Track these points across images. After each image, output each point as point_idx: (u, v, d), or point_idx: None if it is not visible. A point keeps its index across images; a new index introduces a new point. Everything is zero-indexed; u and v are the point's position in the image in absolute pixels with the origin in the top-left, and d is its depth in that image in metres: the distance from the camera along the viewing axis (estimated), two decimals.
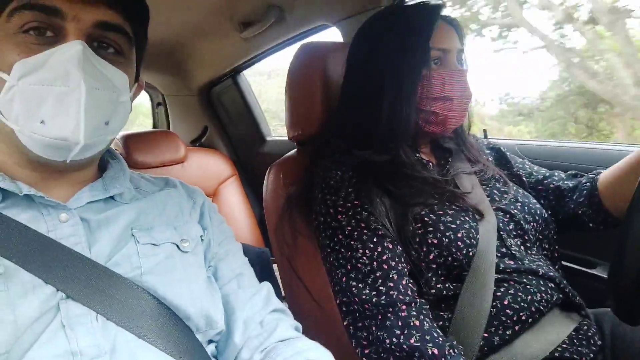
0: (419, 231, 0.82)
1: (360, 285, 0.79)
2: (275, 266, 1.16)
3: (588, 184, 0.95)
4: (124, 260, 0.63)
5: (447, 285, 0.80)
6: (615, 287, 0.59)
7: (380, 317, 0.76)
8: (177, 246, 0.69)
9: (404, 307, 0.75)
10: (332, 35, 1.53)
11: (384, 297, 0.76)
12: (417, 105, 0.88)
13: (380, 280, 0.78)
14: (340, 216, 0.85)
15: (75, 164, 0.63)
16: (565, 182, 0.99)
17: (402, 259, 0.80)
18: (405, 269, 0.80)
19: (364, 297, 0.78)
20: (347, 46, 1.03)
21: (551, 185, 1.00)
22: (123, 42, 0.64)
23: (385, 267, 0.79)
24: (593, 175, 0.96)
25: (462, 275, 0.80)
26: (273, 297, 0.79)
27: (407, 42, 0.88)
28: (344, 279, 0.82)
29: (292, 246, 0.96)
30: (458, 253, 0.79)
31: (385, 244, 0.80)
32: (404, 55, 0.87)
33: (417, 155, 0.95)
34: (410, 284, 0.79)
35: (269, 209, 1.04)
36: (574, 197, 0.96)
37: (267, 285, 0.80)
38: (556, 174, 1.02)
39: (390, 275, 0.78)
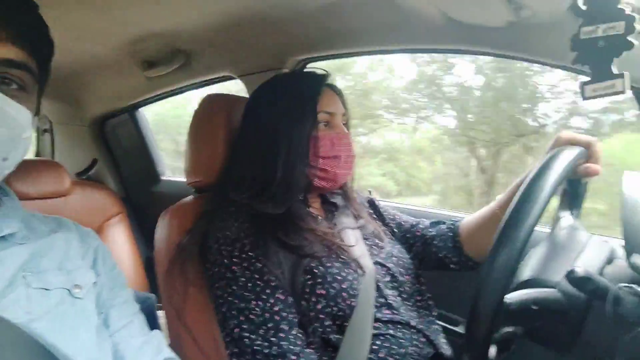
0: (309, 282, 0.87)
1: (252, 336, 0.82)
2: (159, 313, 1.13)
3: (447, 229, 1.08)
4: (12, 305, 0.60)
5: (330, 337, 0.86)
6: (469, 342, 0.68)
7: None
8: (69, 292, 0.67)
9: (293, 357, 0.79)
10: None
11: (275, 347, 0.80)
12: (309, 162, 0.97)
13: (272, 331, 0.81)
14: (234, 267, 0.87)
15: None
16: (429, 230, 1.12)
17: (293, 309, 0.85)
18: (295, 319, 0.84)
19: (255, 347, 0.81)
20: None
21: (417, 233, 1.12)
22: (27, 79, 0.63)
23: (277, 318, 0.83)
24: (453, 222, 1.10)
25: (343, 326, 0.86)
26: (164, 345, 0.78)
27: (297, 105, 0.97)
28: (237, 330, 0.84)
29: (182, 296, 0.95)
30: (343, 303, 0.86)
31: (277, 295, 0.84)
32: (294, 118, 0.96)
33: (307, 209, 1.02)
34: (299, 334, 0.83)
35: (160, 255, 1.03)
36: (436, 243, 1.08)
37: (158, 334, 0.79)
38: (421, 222, 1.15)
39: (281, 326, 0.82)
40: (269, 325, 0.82)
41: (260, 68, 1.44)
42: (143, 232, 2.04)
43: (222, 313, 0.88)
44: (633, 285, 0.57)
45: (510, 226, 0.63)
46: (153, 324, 1.08)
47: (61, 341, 0.62)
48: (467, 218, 1.07)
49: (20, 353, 0.58)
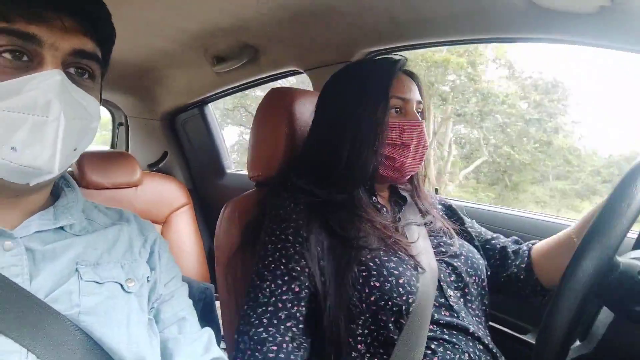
0: (363, 274, 0.83)
1: (250, 312, 0.82)
2: (218, 303, 1.14)
3: (527, 251, 1.02)
4: (64, 297, 0.61)
5: (383, 332, 0.82)
6: (540, 355, 0.61)
7: (249, 352, 0.78)
8: (122, 286, 0.67)
9: (272, 347, 0.77)
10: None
11: (261, 329, 0.79)
12: (376, 149, 0.92)
13: (267, 315, 0.80)
14: (270, 245, 0.87)
15: (36, 187, 0.61)
16: (510, 245, 1.05)
17: (302, 304, 0.82)
18: (299, 315, 0.82)
19: (247, 326, 0.80)
20: (315, 95, 1.07)
21: (498, 246, 1.05)
22: (95, 68, 0.64)
23: (280, 305, 0.81)
24: (531, 245, 1.03)
25: (399, 322, 0.82)
26: (213, 344, 0.77)
27: (367, 89, 0.93)
28: (245, 306, 0.84)
29: (240, 284, 0.95)
30: (398, 298, 0.81)
31: (293, 286, 0.83)
32: (364, 101, 0.92)
33: (374, 198, 0.99)
34: (294, 329, 0.80)
35: (221, 245, 1.03)
36: (516, 262, 1.01)
37: (208, 331, 0.78)
38: (501, 237, 1.08)
39: (279, 314, 0.80)
40: (270, 308, 0.81)
41: (327, 62, 1.42)
42: (207, 224, 2.09)
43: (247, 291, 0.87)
44: None
45: (596, 234, 0.58)
46: (210, 313, 1.09)
47: (108, 336, 0.62)
48: (540, 242, 1.01)
49: (68, 345, 0.58)
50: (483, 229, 1.11)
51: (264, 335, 0.78)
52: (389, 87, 0.93)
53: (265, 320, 0.80)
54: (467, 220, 1.11)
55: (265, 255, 0.86)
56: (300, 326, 0.81)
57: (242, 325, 0.82)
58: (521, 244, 1.06)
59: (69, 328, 0.59)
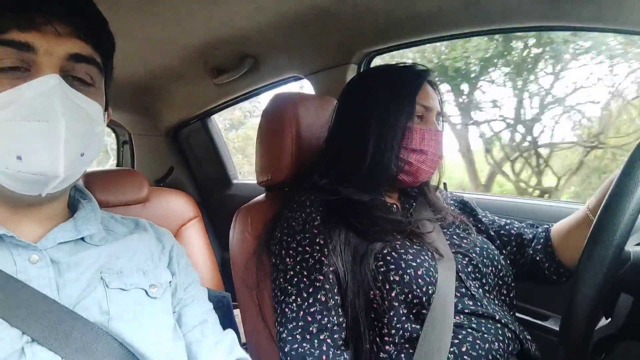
0: (382, 269, 0.84)
1: (280, 329, 0.83)
2: (236, 311, 1.14)
3: (544, 233, 1.02)
4: (92, 305, 0.62)
5: (407, 326, 0.82)
6: (566, 341, 0.61)
7: None
8: (146, 292, 0.68)
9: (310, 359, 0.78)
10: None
11: (295, 345, 0.80)
12: (397, 152, 0.94)
13: (299, 330, 0.81)
14: (288, 259, 0.88)
15: (49, 197, 0.62)
16: (525, 229, 1.06)
17: (332, 314, 0.83)
18: (330, 325, 0.82)
19: (280, 343, 0.82)
20: (317, 98, 1.07)
21: (513, 232, 1.05)
22: (94, 73, 0.63)
23: (310, 319, 0.82)
24: (547, 226, 1.03)
25: (422, 314, 0.82)
26: (237, 346, 0.78)
27: (396, 95, 0.95)
28: (275, 323, 0.85)
29: (260, 289, 0.95)
30: (418, 290, 0.82)
31: (319, 296, 0.83)
32: (391, 107, 0.94)
33: (383, 198, 1.00)
34: (328, 340, 0.81)
35: (235, 252, 1.04)
36: (533, 245, 1.02)
37: (231, 334, 0.79)
38: (515, 222, 1.08)
39: (310, 328, 0.81)
40: (300, 323, 0.82)
41: (328, 65, 1.44)
42: (217, 234, 2.10)
43: (273, 306, 0.88)
44: None
45: (608, 216, 0.59)
46: (229, 322, 1.09)
47: (138, 340, 0.63)
48: (559, 223, 1.01)
49: (101, 352, 0.59)
50: (496, 218, 1.11)
51: (300, 350, 0.79)
52: (416, 95, 0.95)
53: (298, 337, 0.81)
54: (479, 211, 1.11)
55: (286, 269, 0.87)
56: (335, 336, 0.82)
57: (279, 342, 0.83)
58: (537, 227, 1.06)
59: (100, 335, 0.60)
